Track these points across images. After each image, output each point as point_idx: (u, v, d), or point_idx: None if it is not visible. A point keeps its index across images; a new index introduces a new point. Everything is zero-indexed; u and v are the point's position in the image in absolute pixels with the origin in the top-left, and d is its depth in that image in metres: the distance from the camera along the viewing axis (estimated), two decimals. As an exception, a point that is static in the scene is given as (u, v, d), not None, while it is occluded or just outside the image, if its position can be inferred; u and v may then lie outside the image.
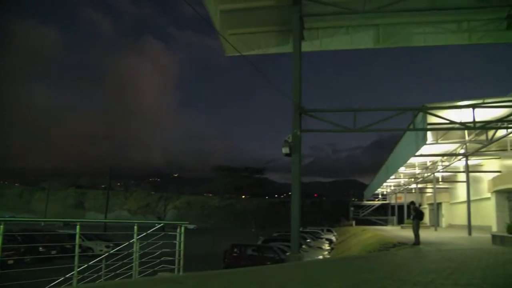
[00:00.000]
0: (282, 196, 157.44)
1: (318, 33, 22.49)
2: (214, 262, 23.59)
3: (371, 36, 22.45)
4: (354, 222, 76.13)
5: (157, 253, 12.35)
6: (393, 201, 68.69)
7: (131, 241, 11.74)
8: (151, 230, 12.70)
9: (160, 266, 12.35)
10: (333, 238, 47.53)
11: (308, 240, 33.47)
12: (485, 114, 21.14)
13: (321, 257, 25.58)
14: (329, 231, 56.03)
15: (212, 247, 38.54)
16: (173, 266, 12.15)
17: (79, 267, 10.00)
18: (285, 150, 18.58)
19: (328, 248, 34.99)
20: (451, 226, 50.45)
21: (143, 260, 11.99)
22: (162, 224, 14.07)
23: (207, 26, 21.04)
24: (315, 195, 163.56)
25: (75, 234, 10.07)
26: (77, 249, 9.95)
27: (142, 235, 11.88)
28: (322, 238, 41.39)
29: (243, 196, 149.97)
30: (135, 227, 11.38)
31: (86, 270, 11.70)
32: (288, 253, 19.81)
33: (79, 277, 10.23)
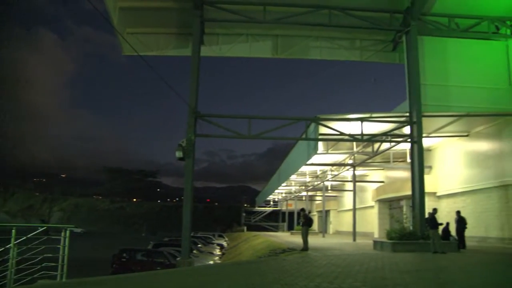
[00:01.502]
0: (174, 200, 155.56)
1: (218, 39, 22.64)
2: (101, 268, 22.65)
3: (269, 46, 23.02)
4: (245, 228, 77.05)
5: (38, 259, 11.58)
6: (284, 208, 70.44)
7: (7, 246, 10.88)
8: (32, 234, 11.89)
9: (41, 273, 11.59)
10: (225, 244, 47.68)
11: (199, 245, 33.33)
12: (372, 128, 22.39)
13: (211, 262, 25.56)
14: (220, 236, 56.14)
15: (100, 252, 37.01)
16: (56, 273, 11.48)
17: None
18: (179, 154, 18.37)
19: (219, 253, 35.05)
20: (338, 233, 52.86)
21: (20, 267, 11.16)
22: (45, 228, 13.27)
23: (107, 22, 20.25)
24: (208, 200, 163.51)
25: None
26: None
27: (21, 239, 11.09)
28: (213, 244, 41.36)
29: (135, 200, 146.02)
30: (13, 231, 10.58)
31: None
32: (178, 258, 19.58)
33: None
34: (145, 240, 46.85)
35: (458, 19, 21.77)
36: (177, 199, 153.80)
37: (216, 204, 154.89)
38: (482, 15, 21.79)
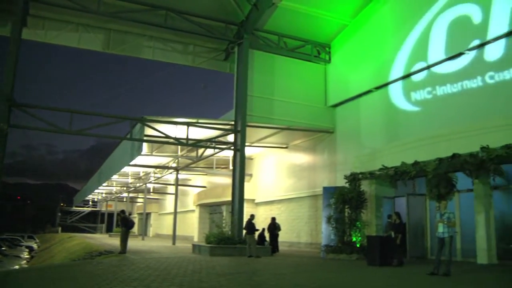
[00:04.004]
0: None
1: (44, 23, 20.84)
2: None
3: (101, 39, 21.99)
4: (60, 229, 72.44)
5: None
6: (103, 209, 67.91)
7: None
8: None
9: None
10: (35, 246, 44.20)
11: (4, 248, 30.31)
12: (198, 133, 22.70)
13: (17, 267, 23.43)
14: (31, 238, 51.94)
15: None
16: None
17: None
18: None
19: (28, 256, 32.33)
20: (158, 236, 52.47)
21: None
22: None
23: None
24: (19, 197, 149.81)
25: None
26: None
27: None
28: (21, 246, 38.02)
29: None
30: None
31: None
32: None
33: None
34: None
35: (286, 39, 23.43)
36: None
37: (29, 202, 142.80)
38: (307, 38, 23.81)
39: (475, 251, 14.73)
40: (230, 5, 21.30)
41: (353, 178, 18.76)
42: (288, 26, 22.92)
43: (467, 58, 17.07)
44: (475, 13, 16.72)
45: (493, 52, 16.13)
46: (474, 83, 16.62)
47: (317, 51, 24.43)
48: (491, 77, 16.06)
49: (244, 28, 21.77)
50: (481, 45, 16.50)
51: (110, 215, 59.71)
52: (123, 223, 19.69)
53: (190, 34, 22.12)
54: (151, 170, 35.29)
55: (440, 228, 11.58)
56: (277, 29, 22.99)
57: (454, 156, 14.50)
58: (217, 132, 22.59)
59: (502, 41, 15.82)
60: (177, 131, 21.47)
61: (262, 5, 20.35)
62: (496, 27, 15.88)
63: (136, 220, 58.86)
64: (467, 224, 15.63)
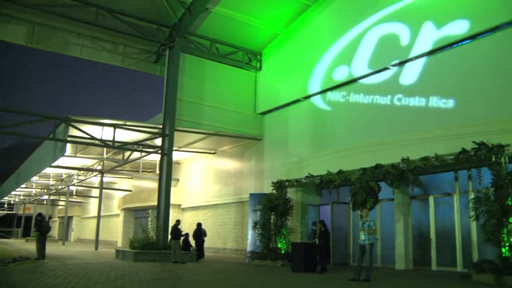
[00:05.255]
0: None
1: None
2: None
3: (24, 32, 20.91)
4: (-32, 234, 68.07)
5: None
6: (21, 212, 64.59)
7: None
8: None
9: None
10: None
11: None
12: (124, 136, 22.20)
13: None
14: None
15: None
16: None
17: None
18: None
19: None
20: (80, 240, 50.66)
21: None
22: None
23: None
24: None
25: None
26: None
27: None
28: None
29: None
30: None
31: None
32: None
33: None
34: None
35: (218, 45, 23.51)
36: None
37: None
38: (239, 45, 24.02)
39: (394, 257, 15.47)
40: (163, 7, 21.08)
41: (280, 186, 19.03)
42: (221, 32, 23.02)
43: (388, 73, 17.82)
44: (403, 33, 17.37)
45: (408, 76, 16.92)
46: (392, 99, 17.36)
47: (248, 58, 24.66)
48: (399, 99, 16.97)
49: (177, 31, 21.59)
50: (403, 63, 17.23)
51: (28, 218, 56.90)
52: (37, 227, 18.88)
53: (121, 34, 21.63)
54: (75, 172, 34.10)
55: (362, 236, 12.00)
56: (210, 34, 23.01)
57: (377, 166, 15.15)
58: (145, 135, 22.19)
59: (418, 68, 16.58)
60: (103, 132, 20.87)
61: (196, 9, 20.31)
62: (418, 48, 16.64)
63: (56, 224, 56.54)
64: (387, 231, 16.34)
